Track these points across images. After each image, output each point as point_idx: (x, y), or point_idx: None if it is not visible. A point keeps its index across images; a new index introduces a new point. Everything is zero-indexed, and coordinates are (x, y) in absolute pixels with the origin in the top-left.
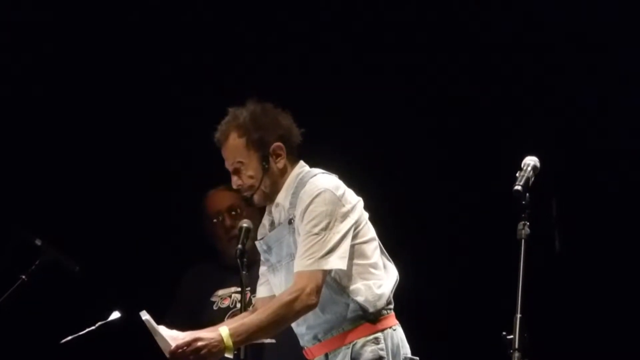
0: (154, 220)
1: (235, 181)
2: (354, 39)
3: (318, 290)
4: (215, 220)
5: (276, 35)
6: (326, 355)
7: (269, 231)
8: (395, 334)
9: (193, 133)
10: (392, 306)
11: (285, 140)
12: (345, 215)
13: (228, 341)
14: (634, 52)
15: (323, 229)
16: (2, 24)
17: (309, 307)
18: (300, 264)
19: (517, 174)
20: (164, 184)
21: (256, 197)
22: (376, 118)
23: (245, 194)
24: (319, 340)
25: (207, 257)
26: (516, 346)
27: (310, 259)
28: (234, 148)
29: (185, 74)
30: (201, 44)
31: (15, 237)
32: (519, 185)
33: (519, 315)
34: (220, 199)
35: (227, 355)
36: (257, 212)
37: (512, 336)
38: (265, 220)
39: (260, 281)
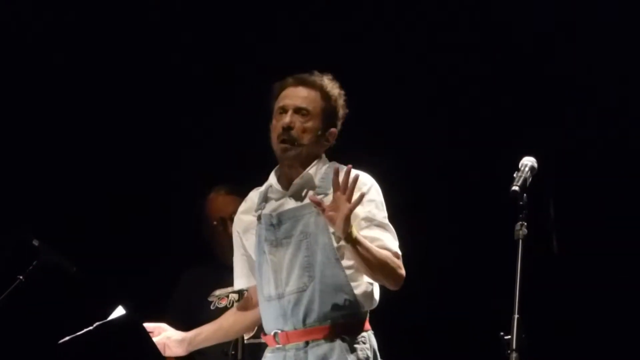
0: (152, 221)
1: (291, 118)
2: (355, 40)
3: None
4: (215, 223)
5: (283, 36)
6: (306, 343)
7: (266, 202)
8: (373, 337)
9: (192, 134)
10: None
11: (339, 133)
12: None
13: (354, 230)
14: (632, 53)
15: (385, 217)
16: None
17: (396, 282)
18: (390, 248)
19: (515, 175)
20: (163, 185)
21: (293, 151)
22: (369, 118)
23: (288, 137)
24: (304, 326)
25: (205, 258)
26: (514, 346)
27: (395, 245)
28: (312, 99)
29: (183, 74)
30: (206, 43)
31: (13, 238)
32: (516, 185)
33: (516, 316)
34: (223, 205)
35: (345, 241)
36: None
37: (509, 336)
38: (260, 193)
39: (241, 271)
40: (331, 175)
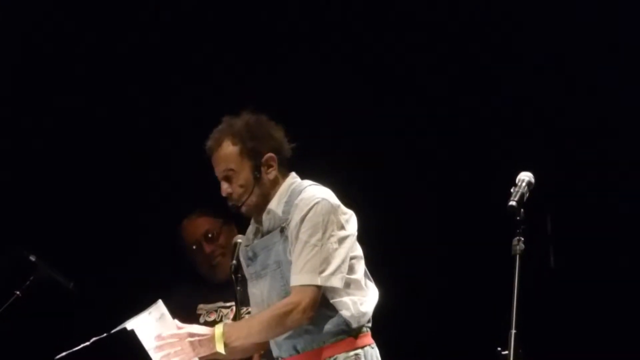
0: (148, 237)
1: (225, 189)
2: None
3: (314, 306)
4: (194, 247)
5: (269, 50)
6: None
7: (253, 240)
8: (374, 352)
9: (183, 151)
10: (370, 325)
11: (277, 152)
12: (343, 225)
13: (220, 339)
14: (630, 66)
15: (320, 239)
16: None
17: (300, 323)
18: (299, 278)
19: (512, 190)
20: (158, 201)
21: (244, 208)
22: (363, 132)
23: (233, 203)
24: (297, 352)
25: (192, 276)
26: None
27: (308, 272)
28: (227, 155)
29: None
30: (193, 52)
31: (10, 253)
32: (513, 200)
33: (513, 331)
34: (194, 227)
35: (219, 350)
36: (235, 230)
37: (507, 352)
38: (250, 230)
39: None
40: (294, 197)
